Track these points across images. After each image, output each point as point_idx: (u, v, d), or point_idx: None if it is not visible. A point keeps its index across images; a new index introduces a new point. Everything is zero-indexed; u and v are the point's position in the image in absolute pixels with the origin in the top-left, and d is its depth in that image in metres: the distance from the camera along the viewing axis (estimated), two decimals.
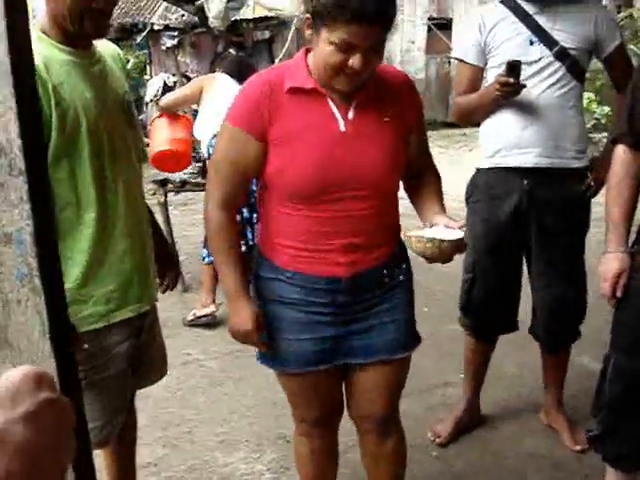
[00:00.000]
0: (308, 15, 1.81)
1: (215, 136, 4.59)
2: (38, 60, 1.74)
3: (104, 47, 2.08)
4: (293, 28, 9.61)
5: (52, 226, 1.53)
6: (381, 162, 1.90)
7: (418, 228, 1.89)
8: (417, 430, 3.17)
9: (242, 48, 13.70)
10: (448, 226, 1.85)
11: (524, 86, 2.70)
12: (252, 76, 2.00)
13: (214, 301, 4.80)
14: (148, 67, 15.65)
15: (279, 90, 1.86)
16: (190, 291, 5.40)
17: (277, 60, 12.00)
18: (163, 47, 14.28)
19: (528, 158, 2.85)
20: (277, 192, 1.93)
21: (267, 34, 14.13)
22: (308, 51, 1.92)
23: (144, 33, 14.01)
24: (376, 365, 2.10)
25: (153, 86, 13.86)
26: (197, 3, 6.33)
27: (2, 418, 0.49)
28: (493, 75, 2.83)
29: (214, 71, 5.25)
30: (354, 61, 1.74)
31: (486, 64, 2.93)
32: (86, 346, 1.92)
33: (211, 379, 3.95)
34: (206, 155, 4.74)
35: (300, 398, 2.20)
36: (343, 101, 1.89)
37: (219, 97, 4.66)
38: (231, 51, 5.71)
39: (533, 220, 2.93)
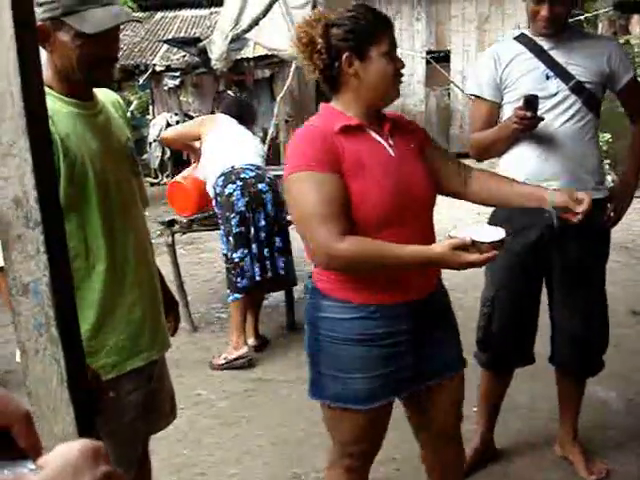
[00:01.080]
0: (347, 53, 2.01)
1: (221, 175, 4.65)
2: None
3: (105, 96, 2.11)
4: (294, 66, 9.71)
5: (69, 276, 1.55)
6: (426, 178, 2.13)
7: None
8: None
9: (243, 87, 13.85)
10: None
11: (542, 119, 2.73)
12: (302, 129, 2.11)
13: (246, 342, 4.70)
14: (151, 107, 15.81)
15: (331, 132, 2.01)
16: (199, 330, 5.39)
17: (278, 98, 12.09)
18: (165, 87, 14.40)
19: None
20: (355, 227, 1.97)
21: (267, 73, 14.27)
22: (327, 101, 2.14)
23: (146, 74, 14.15)
24: (449, 381, 2.27)
25: (156, 126, 14.03)
26: (199, 45, 6.40)
27: None
28: (510, 110, 2.86)
29: (214, 111, 5.32)
30: (399, 63, 2.06)
31: (502, 100, 2.96)
32: (112, 394, 1.92)
33: (223, 419, 3.94)
34: (212, 194, 4.77)
35: (357, 433, 2.20)
36: (380, 132, 2.11)
37: (223, 138, 4.72)
38: (229, 92, 5.77)
39: (555, 252, 2.93)
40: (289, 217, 4.92)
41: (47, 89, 1.85)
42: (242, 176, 4.63)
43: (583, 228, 2.89)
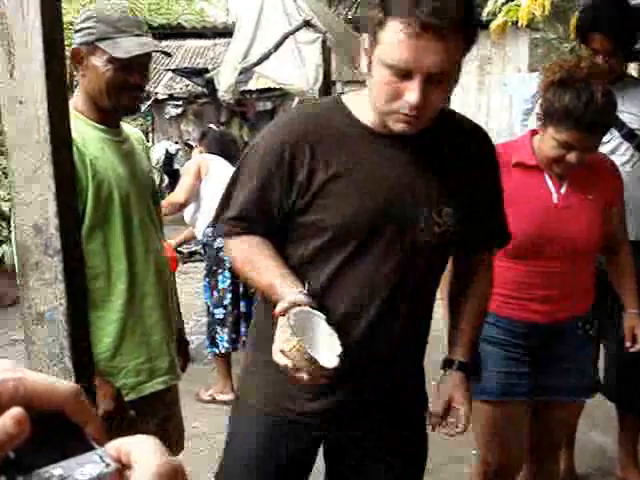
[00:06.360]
0: (539, 112, 2.22)
1: (209, 226, 4.45)
2: (76, 136, 1.83)
3: (129, 130, 2.22)
4: (296, 100, 9.75)
5: (85, 307, 1.53)
6: (584, 231, 2.27)
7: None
8: None
9: (245, 119, 13.87)
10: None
11: None
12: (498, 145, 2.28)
13: (233, 388, 4.55)
14: (151, 135, 15.83)
15: (507, 163, 2.21)
16: (194, 362, 5.30)
17: None
18: (167, 116, 14.45)
19: None
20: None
21: (269, 105, 14.31)
22: (534, 132, 2.34)
23: (148, 102, 14.20)
24: (562, 405, 2.50)
25: (155, 154, 14.01)
26: (206, 76, 6.44)
27: None
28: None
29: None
30: (570, 157, 2.15)
31: None
32: (133, 412, 1.92)
33: (220, 453, 3.85)
34: (201, 242, 4.69)
35: (488, 427, 2.48)
36: (558, 178, 2.28)
37: (213, 183, 4.59)
38: (211, 126, 5.64)
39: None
40: None
41: (79, 114, 1.98)
42: None
43: None
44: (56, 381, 0.51)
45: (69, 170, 1.49)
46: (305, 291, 1.58)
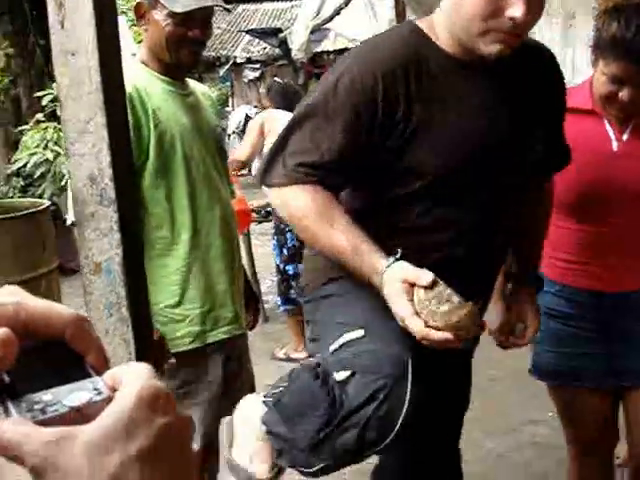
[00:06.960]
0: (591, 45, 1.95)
1: None
2: (140, 86, 1.90)
3: (195, 85, 2.25)
4: None
5: (141, 256, 1.54)
6: None
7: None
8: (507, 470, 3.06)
9: None
10: None
11: None
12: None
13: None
14: (230, 99, 15.98)
15: None
16: (270, 321, 5.37)
17: None
18: (245, 79, 14.55)
19: None
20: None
21: None
22: None
23: (227, 66, 14.33)
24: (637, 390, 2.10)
25: (235, 118, 14.14)
26: (280, 36, 6.43)
27: (118, 459, 0.43)
28: None
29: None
30: (623, 94, 1.85)
31: None
32: (173, 360, 1.97)
33: None
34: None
35: (560, 411, 2.22)
36: (619, 124, 1.97)
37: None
38: (276, 79, 5.59)
39: None
40: None
41: (144, 66, 2.03)
42: None
43: None
44: (58, 307, 0.50)
45: (122, 120, 1.50)
46: (399, 257, 1.44)
